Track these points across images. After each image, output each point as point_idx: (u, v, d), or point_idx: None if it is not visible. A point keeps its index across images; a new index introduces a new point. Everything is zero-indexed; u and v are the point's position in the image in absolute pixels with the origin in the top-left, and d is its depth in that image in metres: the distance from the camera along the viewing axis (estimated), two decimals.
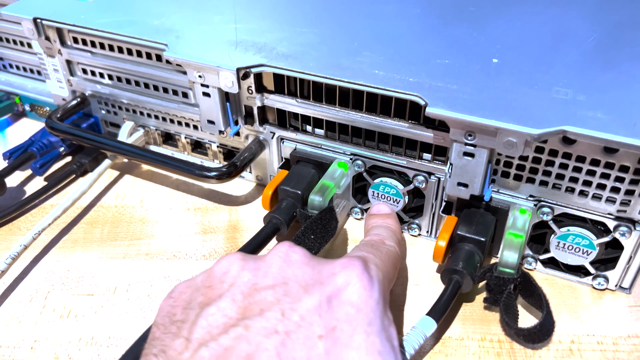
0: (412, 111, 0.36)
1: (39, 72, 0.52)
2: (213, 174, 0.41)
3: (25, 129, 0.54)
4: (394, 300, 0.36)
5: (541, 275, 0.38)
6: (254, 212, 0.44)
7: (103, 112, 0.50)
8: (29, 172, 0.49)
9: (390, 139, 0.38)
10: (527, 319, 0.35)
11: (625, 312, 0.35)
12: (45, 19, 0.44)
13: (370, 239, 0.33)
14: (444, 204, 0.38)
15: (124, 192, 0.47)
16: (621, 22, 0.41)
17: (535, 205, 0.35)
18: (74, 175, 0.48)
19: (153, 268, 0.39)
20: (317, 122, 0.40)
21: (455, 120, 0.32)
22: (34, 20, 0.45)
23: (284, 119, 0.41)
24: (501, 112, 0.31)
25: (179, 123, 0.47)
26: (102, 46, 0.45)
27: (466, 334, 0.34)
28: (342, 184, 0.40)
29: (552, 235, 0.36)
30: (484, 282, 0.34)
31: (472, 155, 0.33)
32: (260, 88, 0.40)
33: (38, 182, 0.48)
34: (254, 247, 0.36)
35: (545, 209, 0.35)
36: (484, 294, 0.35)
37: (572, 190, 0.34)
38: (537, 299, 0.33)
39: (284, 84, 0.39)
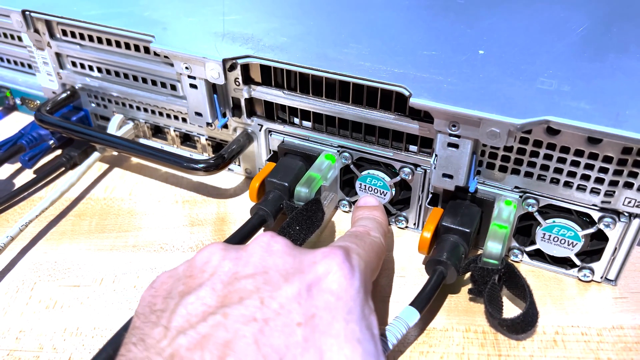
0: (398, 103, 0.36)
1: (29, 66, 0.52)
2: (201, 165, 0.41)
3: (16, 123, 0.54)
4: (379, 291, 0.36)
5: (528, 267, 0.38)
6: (242, 205, 0.44)
7: (93, 105, 0.50)
8: (18, 165, 0.49)
9: (377, 131, 0.38)
10: (512, 310, 0.35)
11: (610, 303, 0.35)
12: (34, 11, 0.44)
13: (356, 229, 0.33)
14: (430, 196, 0.38)
15: (113, 185, 0.47)
16: (610, 14, 0.41)
17: (520, 196, 0.35)
18: (63, 168, 0.48)
19: (140, 260, 0.39)
20: (305, 115, 0.40)
21: (439, 110, 0.31)
22: (23, 12, 0.45)
23: (271, 111, 0.41)
24: (485, 102, 0.31)
25: (168, 116, 0.47)
26: (90, 38, 0.45)
27: (451, 325, 0.34)
28: (329, 176, 0.40)
29: (538, 227, 0.35)
30: (469, 274, 0.34)
31: (456, 146, 0.33)
32: (248, 80, 0.40)
33: (27, 175, 0.48)
34: (239, 238, 0.36)
35: (531, 201, 0.35)
36: (469, 286, 0.35)
37: (557, 181, 0.34)
38: (521, 290, 0.33)
39: (270, 76, 0.39)
